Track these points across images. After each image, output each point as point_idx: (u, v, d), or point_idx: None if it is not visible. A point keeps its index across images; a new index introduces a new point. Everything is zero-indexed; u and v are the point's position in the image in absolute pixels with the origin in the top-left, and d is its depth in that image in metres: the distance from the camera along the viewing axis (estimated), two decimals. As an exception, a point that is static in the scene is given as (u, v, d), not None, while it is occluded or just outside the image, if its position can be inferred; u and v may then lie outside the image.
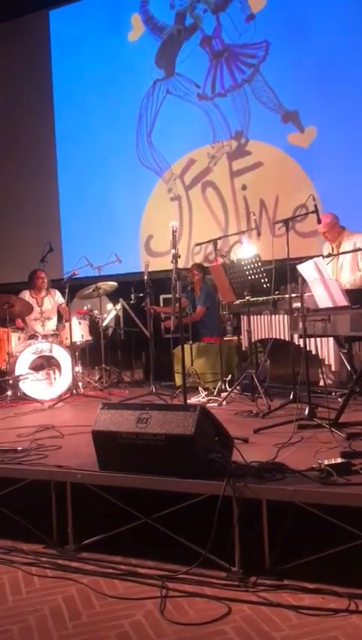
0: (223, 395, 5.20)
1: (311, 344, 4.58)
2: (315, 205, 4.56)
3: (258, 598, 2.55)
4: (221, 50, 7.88)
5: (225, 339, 5.93)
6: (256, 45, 7.64)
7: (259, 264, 4.97)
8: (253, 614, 2.44)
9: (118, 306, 7.07)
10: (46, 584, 2.82)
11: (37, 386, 5.93)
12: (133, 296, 6.43)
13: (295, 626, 2.35)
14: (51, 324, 6.74)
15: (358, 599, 2.46)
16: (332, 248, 5.38)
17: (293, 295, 4.58)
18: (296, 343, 4.72)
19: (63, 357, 6.01)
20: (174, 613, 2.50)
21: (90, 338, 6.50)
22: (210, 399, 5.20)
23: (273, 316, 5.11)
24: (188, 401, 4.64)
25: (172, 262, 4.56)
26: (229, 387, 5.34)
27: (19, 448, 3.70)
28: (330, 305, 4.15)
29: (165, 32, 8.28)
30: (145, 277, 5.95)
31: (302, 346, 4.25)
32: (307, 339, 4.17)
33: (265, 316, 5.20)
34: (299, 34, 7.33)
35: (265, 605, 2.50)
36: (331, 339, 4.72)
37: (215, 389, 5.42)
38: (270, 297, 5.00)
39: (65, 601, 2.65)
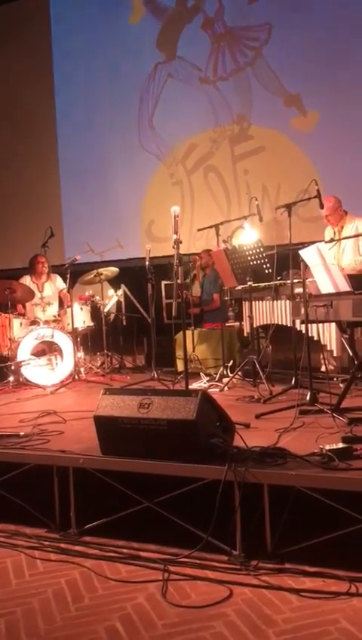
0: (225, 380, 5.21)
1: (313, 330, 4.57)
2: (318, 190, 4.53)
3: (259, 581, 2.57)
4: (223, 32, 7.80)
5: (227, 324, 5.93)
6: (259, 28, 7.55)
7: (261, 249, 4.95)
8: (254, 597, 2.46)
9: (120, 292, 7.06)
10: (49, 567, 2.85)
11: (39, 372, 5.94)
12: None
13: (296, 608, 2.37)
14: (52, 310, 6.73)
15: (359, 582, 2.48)
16: (335, 232, 5.36)
17: (295, 280, 4.56)
18: (298, 329, 4.72)
19: (65, 343, 6.01)
20: (176, 596, 2.52)
21: (91, 324, 6.50)
22: (212, 385, 5.21)
23: (275, 302, 5.09)
24: (190, 387, 4.65)
25: (173, 247, 4.54)
26: (231, 373, 5.34)
27: (22, 433, 3.71)
28: (332, 290, 4.14)
29: (166, 15, 8.19)
30: (147, 262, 5.94)
31: (303, 331, 4.25)
32: (309, 324, 4.16)
33: (267, 302, 5.18)
34: (302, 16, 7.25)
35: (267, 588, 2.51)
36: (333, 324, 4.71)
37: (216, 374, 5.42)
38: (272, 283, 4.99)
39: (68, 585, 2.67)
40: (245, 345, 5.79)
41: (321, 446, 2.90)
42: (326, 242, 4.79)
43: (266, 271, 4.94)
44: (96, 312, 6.65)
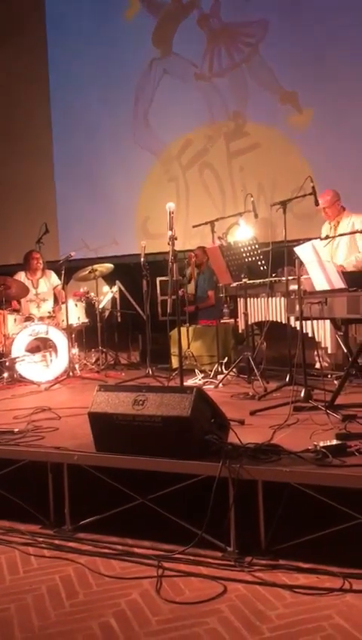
0: (219, 377, 5.21)
1: (308, 326, 4.58)
2: (313, 187, 4.54)
3: (253, 577, 2.57)
4: (219, 28, 7.78)
5: (222, 321, 5.93)
6: (255, 24, 7.53)
7: (256, 246, 4.95)
8: (248, 593, 2.47)
9: (115, 288, 7.05)
10: (43, 564, 2.84)
11: (33, 368, 5.93)
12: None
13: (289, 604, 2.37)
14: (47, 306, 6.72)
15: (352, 578, 2.49)
16: (331, 227, 5.37)
17: (290, 277, 4.57)
18: (293, 326, 4.72)
19: (60, 339, 6.00)
20: (170, 592, 2.52)
21: (86, 320, 6.50)
22: (207, 381, 5.21)
23: (270, 299, 5.10)
24: (185, 384, 4.65)
25: (169, 244, 4.53)
26: (226, 369, 5.35)
27: (16, 430, 3.70)
28: (327, 287, 4.15)
29: (162, 10, 8.16)
30: (142, 259, 5.93)
31: (298, 328, 4.26)
32: (303, 321, 4.17)
33: (262, 299, 5.19)
34: (299, 13, 7.24)
35: (260, 585, 2.52)
36: (327, 321, 4.72)
37: (211, 371, 5.43)
38: (267, 280, 4.99)
39: (62, 581, 2.67)
40: (240, 342, 5.80)
41: (315, 443, 2.90)
42: (321, 239, 4.80)
43: (261, 268, 4.94)
44: (90, 309, 6.64)
